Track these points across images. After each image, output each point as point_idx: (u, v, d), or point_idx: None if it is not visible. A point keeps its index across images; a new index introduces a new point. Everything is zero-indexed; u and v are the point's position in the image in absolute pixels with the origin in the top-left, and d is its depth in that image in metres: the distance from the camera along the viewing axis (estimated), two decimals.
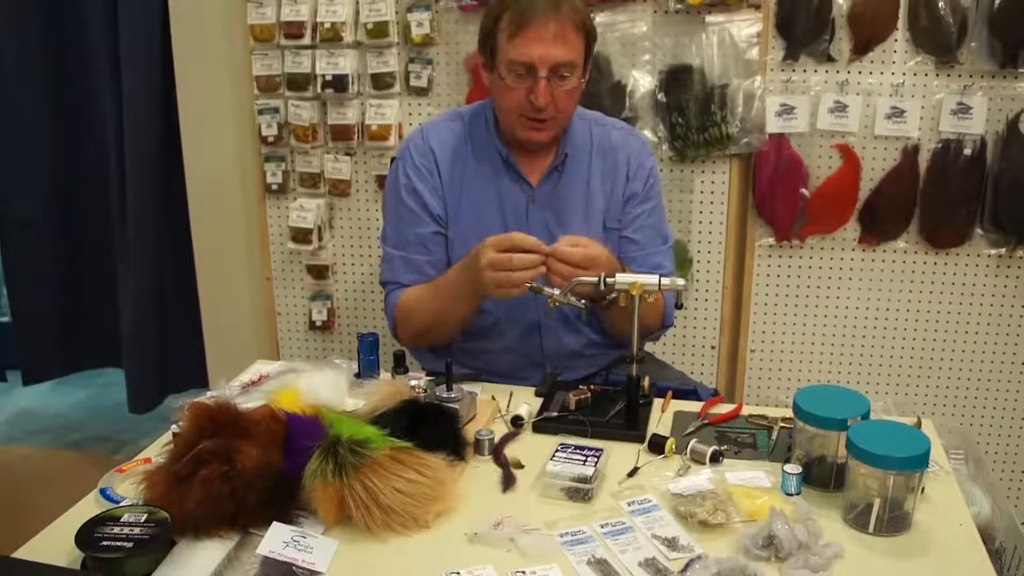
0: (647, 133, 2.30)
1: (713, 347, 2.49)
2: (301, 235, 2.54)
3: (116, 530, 1.13)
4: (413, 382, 1.57)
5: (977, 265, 2.32)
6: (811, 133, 2.28)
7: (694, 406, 1.61)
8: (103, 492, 1.34)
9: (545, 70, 1.62)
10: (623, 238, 1.83)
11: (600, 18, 2.25)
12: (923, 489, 1.28)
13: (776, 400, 2.42)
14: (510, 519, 1.24)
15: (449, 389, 1.50)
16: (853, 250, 2.37)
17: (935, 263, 2.34)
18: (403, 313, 1.79)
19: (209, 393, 1.53)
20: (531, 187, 1.79)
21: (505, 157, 1.77)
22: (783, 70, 2.26)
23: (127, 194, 2.75)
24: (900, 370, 2.43)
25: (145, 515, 1.16)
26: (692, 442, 1.43)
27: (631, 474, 1.39)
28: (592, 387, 1.63)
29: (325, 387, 1.48)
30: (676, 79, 2.29)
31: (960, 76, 2.20)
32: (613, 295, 1.55)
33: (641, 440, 1.47)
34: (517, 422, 1.53)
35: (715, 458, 1.41)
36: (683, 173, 2.37)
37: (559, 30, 1.61)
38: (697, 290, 2.45)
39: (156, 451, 1.43)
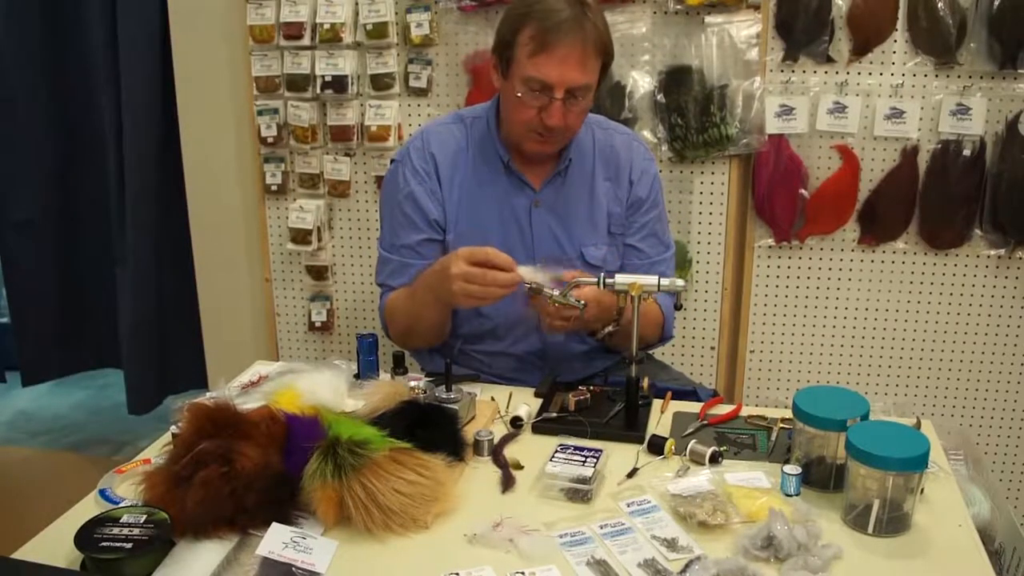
0: (646, 134, 2.31)
1: (712, 348, 2.49)
2: (300, 236, 2.54)
3: (115, 531, 1.13)
4: (412, 383, 1.57)
5: (976, 266, 2.32)
6: (810, 134, 2.28)
7: (693, 407, 1.61)
8: (102, 493, 1.34)
9: (562, 92, 1.60)
10: (628, 246, 1.83)
11: None
12: (922, 490, 1.28)
13: (775, 401, 2.42)
14: (509, 520, 1.24)
15: (448, 390, 1.50)
16: (852, 251, 2.37)
17: (934, 264, 2.34)
18: (388, 315, 1.81)
19: (208, 394, 1.52)
20: (534, 191, 1.78)
21: (507, 161, 1.77)
22: (782, 71, 2.26)
23: (126, 194, 2.75)
24: (900, 371, 2.43)
25: (144, 516, 1.16)
26: (691, 443, 1.44)
27: (630, 475, 1.39)
28: (591, 388, 1.63)
29: (324, 388, 1.48)
30: (675, 80, 2.29)
31: (959, 77, 2.20)
32: (612, 328, 1.56)
33: (640, 441, 1.47)
34: (516, 423, 1.53)
35: (714, 459, 1.41)
36: (682, 174, 2.37)
37: (582, 53, 1.59)
38: (696, 291, 2.45)
39: (155, 452, 1.43)
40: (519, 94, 1.63)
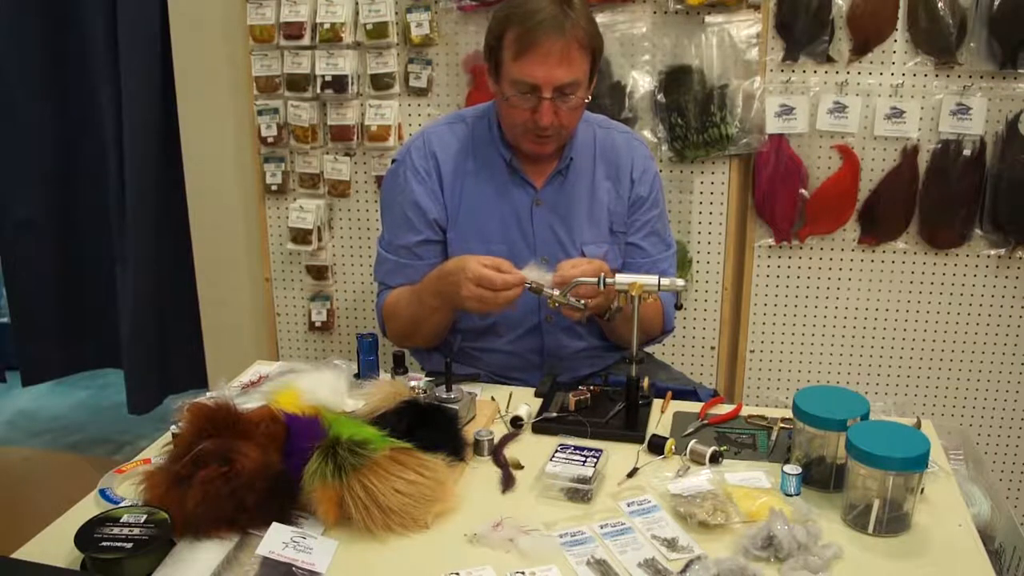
0: (646, 134, 2.31)
1: (713, 348, 2.49)
2: (301, 236, 2.54)
3: (116, 531, 1.13)
4: (412, 383, 1.57)
5: (976, 266, 2.32)
6: (810, 134, 2.28)
7: (694, 407, 1.61)
8: (102, 493, 1.34)
9: (549, 91, 1.61)
10: (630, 244, 1.83)
11: (600, 18, 2.24)
12: (923, 490, 1.28)
13: (776, 401, 2.43)
14: (509, 520, 1.24)
15: (449, 390, 1.50)
16: (852, 251, 2.37)
17: (934, 264, 2.34)
18: (388, 314, 1.81)
19: (209, 394, 1.52)
20: (535, 190, 1.78)
21: (508, 160, 1.77)
22: (782, 71, 2.26)
23: (127, 194, 2.75)
24: (900, 370, 2.43)
25: (145, 516, 1.16)
26: (692, 443, 1.44)
27: (631, 475, 1.39)
28: (591, 388, 1.63)
29: (324, 388, 1.48)
30: (675, 80, 2.29)
31: (959, 77, 2.20)
32: (617, 306, 1.55)
33: (640, 441, 1.47)
34: (517, 423, 1.53)
35: (715, 459, 1.41)
36: (682, 174, 2.37)
37: (564, 51, 1.59)
38: (697, 291, 2.45)
39: (155, 452, 1.43)
40: (509, 97, 1.64)
